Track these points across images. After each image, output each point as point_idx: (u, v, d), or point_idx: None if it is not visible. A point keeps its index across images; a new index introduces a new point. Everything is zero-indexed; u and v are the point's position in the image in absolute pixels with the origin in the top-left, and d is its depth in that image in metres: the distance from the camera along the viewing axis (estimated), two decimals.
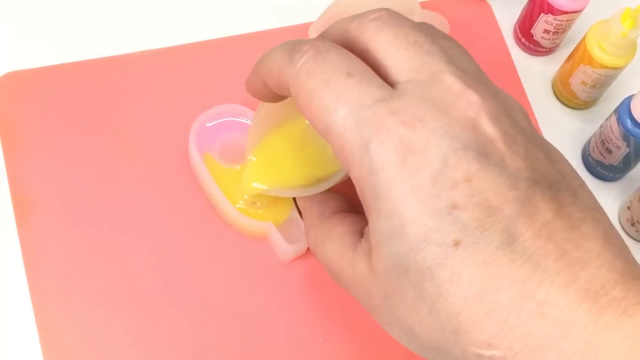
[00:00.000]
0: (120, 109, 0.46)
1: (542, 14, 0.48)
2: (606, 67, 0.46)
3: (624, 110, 0.44)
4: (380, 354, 0.41)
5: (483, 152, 0.28)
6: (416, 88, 0.29)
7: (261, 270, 0.43)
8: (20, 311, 0.40)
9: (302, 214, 0.38)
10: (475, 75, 0.31)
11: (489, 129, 0.28)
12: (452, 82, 0.29)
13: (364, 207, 0.30)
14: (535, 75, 0.52)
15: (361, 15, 0.32)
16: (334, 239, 0.34)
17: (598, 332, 0.26)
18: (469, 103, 0.29)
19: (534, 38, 0.50)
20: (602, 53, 0.46)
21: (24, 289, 0.41)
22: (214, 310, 0.41)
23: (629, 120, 0.44)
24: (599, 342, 0.26)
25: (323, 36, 0.34)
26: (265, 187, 0.40)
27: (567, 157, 0.32)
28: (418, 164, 0.28)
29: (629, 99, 0.44)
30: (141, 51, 0.48)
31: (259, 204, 0.42)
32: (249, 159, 0.40)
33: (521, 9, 0.51)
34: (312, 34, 0.46)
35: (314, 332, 0.42)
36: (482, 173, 0.28)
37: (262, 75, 0.34)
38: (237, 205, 0.42)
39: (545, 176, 0.29)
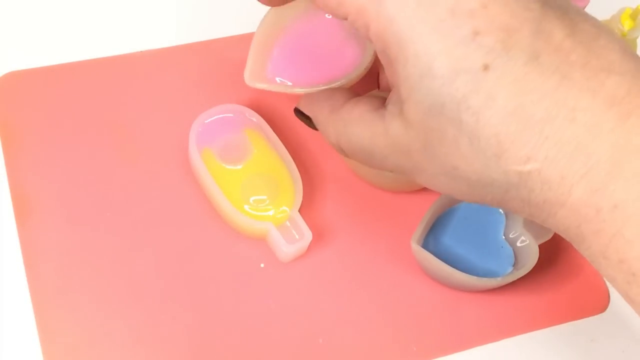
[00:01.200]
0: (120, 109, 0.46)
1: None
2: None
3: None
4: (380, 353, 0.42)
5: None
6: None
7: (261, 270, 0.43)
8: (20, 311, 0.40)
9: (313, 118, 0.38)
10: None
11: None
12: None
13: (387, 64, 0.31)
14: None
15: None
16: (357, 121, 0.34)
17: (625, 134, 0.27)
18: None
19: None
20: None
21: (24, 289, 0.41)
22: (213, 310, 0.41)
23: None
24: (626, 144, 0.27)
25: None
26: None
27: None
28: (433, 0, 0.28)
29: None
30: (141, 51, 0.48)
31: (267, 201, 0.42)
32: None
33: None
34: (248, 79, 0.44)
35: (314, 332, 0.42)
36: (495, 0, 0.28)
37: None
38: (246, 206, 0.42)
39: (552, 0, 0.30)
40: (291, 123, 0.46)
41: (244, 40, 0.49)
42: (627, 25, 0.44)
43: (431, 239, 0.43)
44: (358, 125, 0.34)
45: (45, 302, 0.40)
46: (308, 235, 0.42)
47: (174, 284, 0.42)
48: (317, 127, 0.37)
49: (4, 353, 0.40)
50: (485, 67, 0.28)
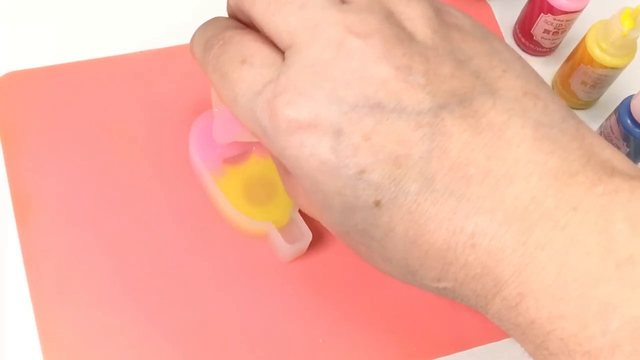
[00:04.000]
0: (120, 109, 0.46)
1: (542, 14, 0.48)
2: (606, 67, 0.46)
3: (624, 110, 0.44)
4: (380, 354, 0.41)
5: (375, 103, 0.27)
6: (297, 54, 0.28)
7: (261, 270, 0.43)
8: (20, 311, 0.40)
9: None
10: (362, 8, 0.28)
11: (377, 71, 0.27)
12: (332, 33, 0.27)
13: (283, 173, 0.32)
14: None
15: None
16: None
17: (528, 253, 0.26)
18: (350, 52, 0.27)
19: (534, 38, 0.50)
20: (602, 53, 0.46)
21: (24, 289, 0.41)
22: (214, 310, 0.41)
23: (628, 120, 0.44)
24: (529, 263, 0.26)
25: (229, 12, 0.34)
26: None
27: None
28: (314, 140, 0.27)
29: (629, 99, 0.44)
30: (141, 51, 0.48)
31: (267, 201, 0.42)
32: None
33: (521, 9, 0.51)
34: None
35: (314, 332, 0.42)
36: (380, 126, 0.27)
37: (192, 53, 0.34)
38: (246, 206, 0.42)
39: (453, 93, 0.27)
40: None
41: None
42: (627, 25, 0.44)
43: None
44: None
45: (45, 302, 0.40)
46: (308, 235, 0.42)
47: (174, 283, 0.42)
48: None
49: (4, 353, 0.40)
50: (377, 204, 0.27)
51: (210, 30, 0.32)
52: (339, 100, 0.27)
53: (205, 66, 0.31)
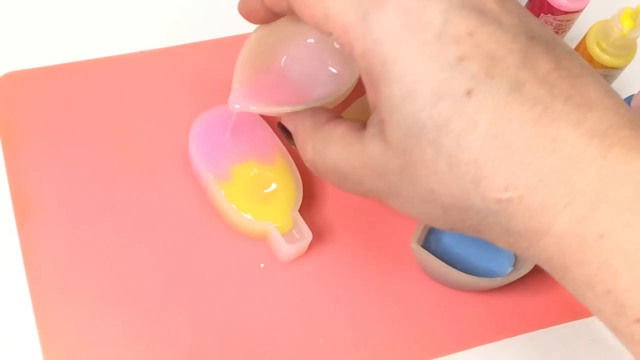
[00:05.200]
0: (120, 109, 0.46)
1: (542, 14, 0.48)
2: (606, 67, 0.46)
3: None
4: (380, 354, 0.42)
5: (480, 10, 0.29)
6: None
7: (261, 270, 0.43)
8: (20, 311, 0.40)
9: (293, 132, 0.37)
10: None
11: None
12: None
13: (369, 84, 0.31)
14: None
15: None
16: (336, 140, 0.34)
17: (608, 164, 0.27)
18: None
19: None
20: (602, 53, 0.46)
21: (24, 289, 0.41)
22: (214, 310, 0.41)
23: None
24: (609, 174, 0.27)
25: None
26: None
27: None
28: (420, 23, 0.28)
29: (628, 99, 0.44)
30: (141, 51, 0.48)
31: (267, 201, 0.42)
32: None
33: None
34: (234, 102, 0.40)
35: (314, 332, 0.42)
36: (482, 28, 0.29)
37: None
38: (246, 206, 0.42)
39: (540, 34, 0.30)
40: None
41: (244, 40, 0.49)
42: (627, 25, 0.44)
43: (431, 239, 0.43)
44: (337, 144, 0.33)
45: (45, 302, 0.40)
46: (308, 235, 0.42)
47: (174, 283, 0.42)
48: (296, 142, 0.37)
49: (4, 353, 0.40)
50: (469, 92, 0.28)
51: None
52: None
53: None
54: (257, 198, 0.43)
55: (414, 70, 0.28)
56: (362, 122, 0.33)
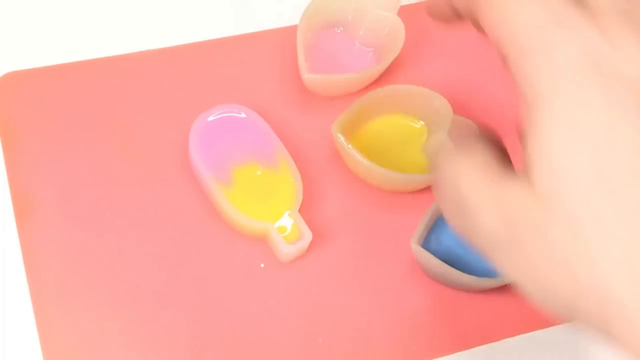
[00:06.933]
0: (120, 109, 0.46)
1: None
2: None
3: None
4: (380, 354, 0.42)
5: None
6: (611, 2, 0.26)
7: (261, 270, 0.43)
8: (20, 311, 0.40)
9: (457, 146, 0.30)
10: None
11: None
12: None
13: (526, 122, 0.25)
14: None
15: None
16: (477, 166, 0.28)
17: None
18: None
19: None
20: None
21: (24, 289, 0.41)
22: (214, 311, 0.41)
23: None
24: None
25: None
26: (347, 144, 0.44)
27: None
28: (614, 81, 0.24)
29: None
30: (141, 51, 0.48)
31: (267, 201, 0.43)
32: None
33: None
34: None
35: (314, 332, 0.42)
36: None
37: None
38: (246, 206, 0.42)
39: None
40: (291, 123, 0.46)
41: (244, 40, 0.49)
42: None
43: (431, 239, 0.43)
44: (476, 170, 0.27)
45: (45, 302, 0.40)
46: (308, 235, 0.42)
47: (174, 284, 0.42)
48: (444, 153, 0.30)
49: (4, 353, 0.40)
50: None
51: None
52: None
53: None
54: (257, 198, 0.43)
55: (587, 116, 0.24)
56: (506, 158, 0.29)
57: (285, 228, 0.42)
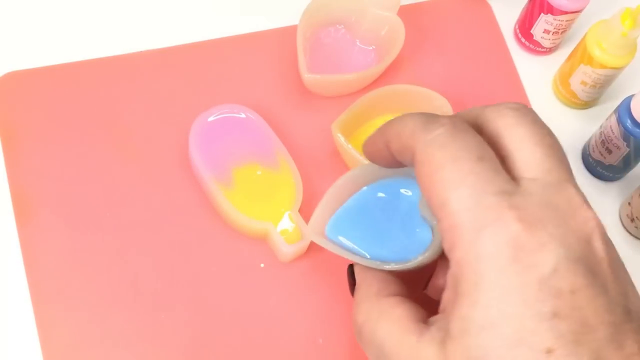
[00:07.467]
0: (120, 109, 0.46)
1: (542, 14, 0.48)
2: (606, 67, 0.46)
3: (624, 110, 0.44)
4: None
5: (591, 269, 0.28)
6: (540, 189, 0.29)
7: (261, 270, 0.43)
8: (20, 311, 0.40)
9: (357, 287, 0.36)
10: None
11: (600, 249, 0.29)
12: (573, 194, 0.30)
13: (451, 291, 0.30)
14: (535, 75, 0.52)
15: (499, 103, 0.32)
16: (393, 320, 0.32)
17: None
18: (586, 219, 0.29)
19: (534, 38, 0.50)
20: (602, 53, 0.46)
21: (24, 289, 0.41)
22: (213, 310, 0.41)
23: (629, 120, 0.44)
24: None
25: (457, 117, 0.33)
26: (347, 144, 0.40)
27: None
28: (529, 263, 0.28)
29: (629, 99, 0.44)
30: (141, 51, 0.48)
31: (267, 201, 0.42)
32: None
33: (521, 9, 0.51)
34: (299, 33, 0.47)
35: (314, 332, 0.42)
36: (587, 290, 0.28)
37: (388, 136, 0.33)
38: (246, 206, 0.42)
39: (636, 310, 0.29)
40: (291, 123, 0.46)
41: (245, 40, 0.49)
42: (627, 25, 0.44)
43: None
44: (393, 325, 0.32)
45: (45, 302, 0.40)
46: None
47: (174, 283, 0.42)
48: (355, 297, 0.35)
49: (4, 353, 0.40)
50: (549, 351, 0.27)
51: (429, 114, 0.32)
52: (568, 246, 0.28)
53: (423, 140, 0.31)
54: (257, 198, 0.43)
55: (504, 307, 0.27)
56: (425, 312, 0.32)
57: (286, 228, 0.42)
